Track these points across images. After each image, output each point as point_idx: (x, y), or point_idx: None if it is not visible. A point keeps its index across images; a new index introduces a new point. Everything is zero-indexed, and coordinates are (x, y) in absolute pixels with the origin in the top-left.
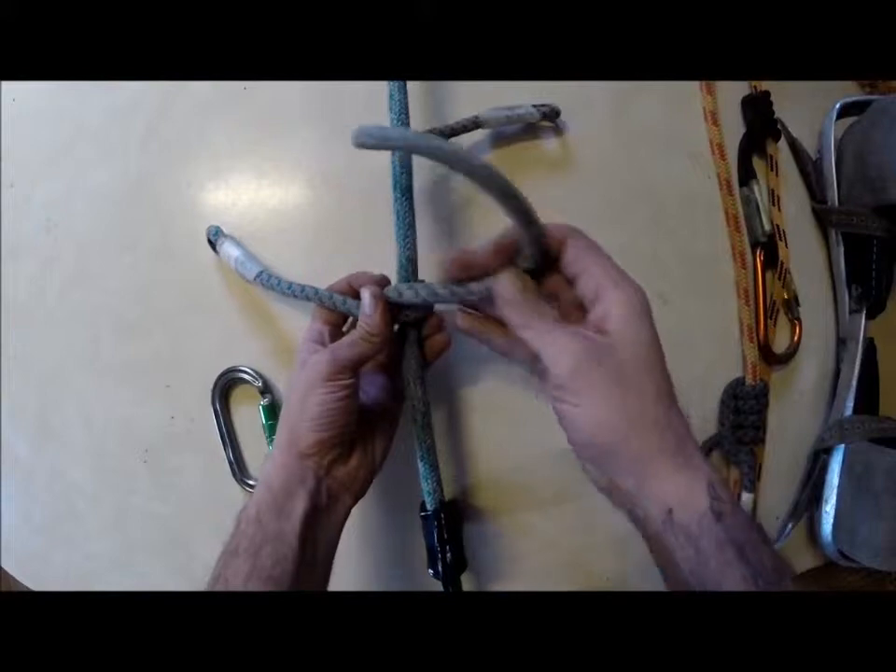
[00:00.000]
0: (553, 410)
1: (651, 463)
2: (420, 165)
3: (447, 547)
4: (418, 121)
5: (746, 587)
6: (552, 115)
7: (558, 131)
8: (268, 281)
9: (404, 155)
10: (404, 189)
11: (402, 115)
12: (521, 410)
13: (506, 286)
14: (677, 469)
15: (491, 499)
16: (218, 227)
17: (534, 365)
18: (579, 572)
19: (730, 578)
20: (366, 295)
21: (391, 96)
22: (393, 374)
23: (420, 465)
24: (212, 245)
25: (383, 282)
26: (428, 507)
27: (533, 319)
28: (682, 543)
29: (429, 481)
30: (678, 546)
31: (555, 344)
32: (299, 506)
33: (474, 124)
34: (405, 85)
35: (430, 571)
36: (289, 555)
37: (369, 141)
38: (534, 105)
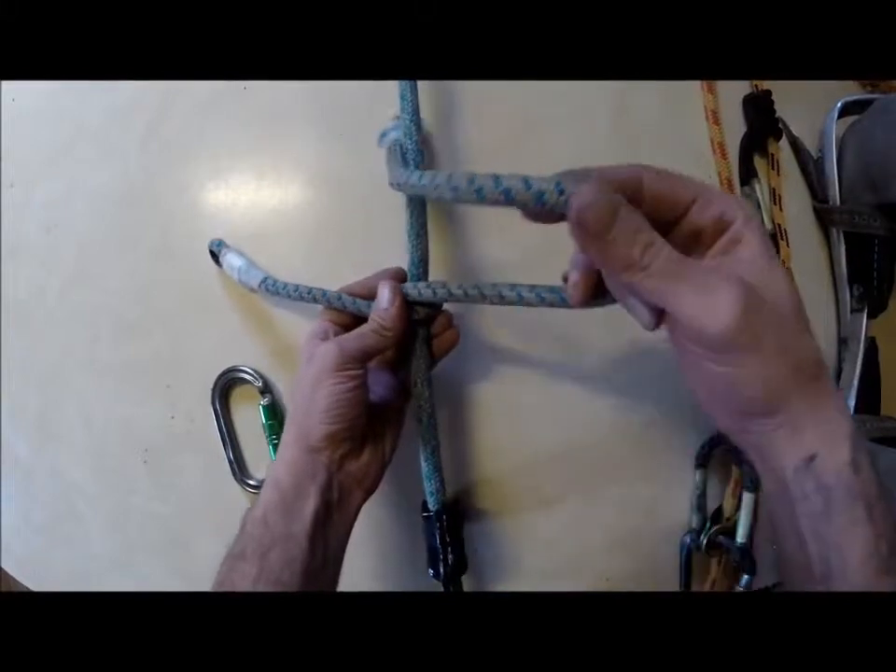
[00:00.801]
0: (699, 372)
1: (803, 415)
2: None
3: (448, 548)
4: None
5: (866, 548)
6: None
7: None
8: (273, 286)
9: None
10: None
11: (414, 115)
12: (523, 409)
13: (598, 204)
14: (824, 419)
15: (493, 499)
16: (221, 240)
17: (649, 317)
18: (579, 573)
19: (854, 536)
20: (385, 289)
21: (402, 96)
22: (399, 371)
23: (424, 465)
24: (215, 257)
25: (399, 276)
26: (431, 507)
27: (650, 258)
28: (810, 494)
29: (432, 481)
30: (802, 497)
31: (703, 293)
32: (309, 504)
33: None
34: (416, 84)
35: (430, 571)
36: (299, 557)
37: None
38: None
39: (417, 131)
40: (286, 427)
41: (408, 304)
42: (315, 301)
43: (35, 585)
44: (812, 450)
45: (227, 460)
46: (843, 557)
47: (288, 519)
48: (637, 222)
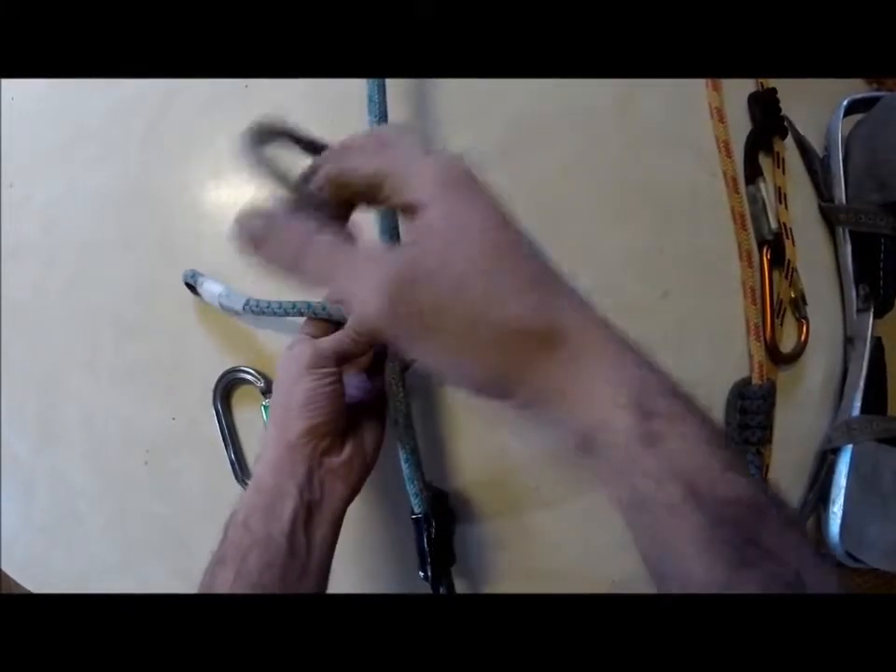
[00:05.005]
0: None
1: (552, 392)
2: None
3: (433, 549)
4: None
5: (700, 538)
6: None
7: None
8: (257, 307)
9: None
10: None
11: (381, 117)
12: None
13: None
14: (587, 392)
15: (493, 501)
16: (194, 270)
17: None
18: (582, 575)
19: (678, 526)
20: None
21: (370, 97)
22: (375, 374)
23: (404, 467)
24: (191, 287)
25: None
26: (415, 509)
27: (302, 258)
28: (613, 480)
29: (414, 483)
30: (608, 482)
31: (352, 281)
32: (288, 503)
33: None
34: (384, 84)
35: (420, 574)
36: (277, 561)
37: None
38: None
39: None
40: (267, 429)
41: None
42: (300, 314)
43: (35, 587)
44: (582, 430)
45: (228, 461)
46: (675, 555)
47: (267, 520)
48: (289, 229)
